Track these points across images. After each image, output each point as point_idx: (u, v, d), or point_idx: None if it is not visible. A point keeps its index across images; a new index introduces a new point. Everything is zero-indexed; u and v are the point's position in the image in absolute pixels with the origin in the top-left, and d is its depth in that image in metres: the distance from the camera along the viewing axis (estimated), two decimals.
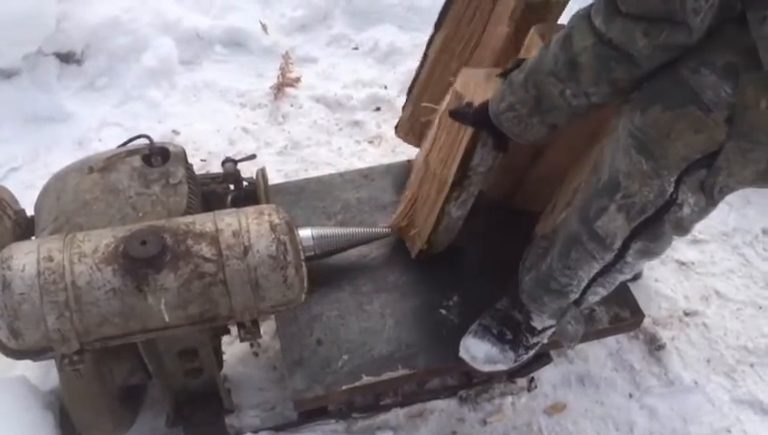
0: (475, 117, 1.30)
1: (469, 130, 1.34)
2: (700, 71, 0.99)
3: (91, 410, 1.26)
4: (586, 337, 1.56)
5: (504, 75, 1.23)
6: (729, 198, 1.98)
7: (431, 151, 1.48)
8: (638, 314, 1.56)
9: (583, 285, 1.29)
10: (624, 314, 1.54)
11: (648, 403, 1.61)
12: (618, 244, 1.18)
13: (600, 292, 1.32)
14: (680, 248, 1.90)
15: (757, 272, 1.87)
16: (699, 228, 1.93)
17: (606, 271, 1.25)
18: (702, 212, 1.13)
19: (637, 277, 1.78)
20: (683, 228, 1.15)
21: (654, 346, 1.69)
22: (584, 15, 1.06)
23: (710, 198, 1.10)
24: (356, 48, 2.45)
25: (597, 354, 1.67)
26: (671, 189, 1.08)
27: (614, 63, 1.03)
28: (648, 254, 1.20)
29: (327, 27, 2.51)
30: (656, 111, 1.04)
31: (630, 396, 1.62)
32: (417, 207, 1.56)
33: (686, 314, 1.77)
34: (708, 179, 1.07)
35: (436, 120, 1.47)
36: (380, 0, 2.51)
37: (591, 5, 1.05)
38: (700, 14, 0.94)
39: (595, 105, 1.12)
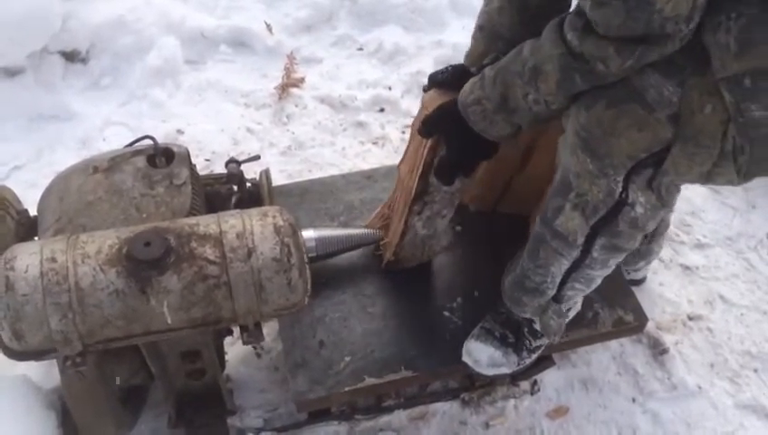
0: (435, 117, 1.26)
1: (430, 143, 1.30)
2: (643, 70, 1.00)
3: (92, 411, 1.26)
4: (589, 340, 1.57)
5: (479, 69, 1.22)
6: (733, 202, 2.01)
7: (403, 160, 1.46)
8: (641, 317, 1.55)
9: (558, 281, 1.30)
10: (628, 317, 1.54)
11: (652, 408, 1.60)
12: (580, 241, 1.19)
13: (579, 287, 1.32)
14: (685, 253, 1.90)
15: (761, 277, 1.87)
16: (704, 233, 1.94)
17: (576, 267, 1.26)
18: (654, 210, 1.13)
19: (641, 281, 1.78)
20: (639, 227, 1.15)
21: (657, 350, 1.69)
22: (557, 25, 1.05)
23: (659, 198, 1.11)
24: (360, 49, 2.45)
25: (600, 358, 1.67)
26: (619, 189, 1.09)
27: (578, 76, 1.03)
28: (616, 249, 1.21)
29: (332, 28, 2.51)
30: (599, 109, 1.05)
31: (634, 400, 1.62)
32: (392, 216, 1.53)
33: (690, 319, 1.76)
34: (656, 180, 1.08)
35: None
36: (385, 1, 2.50)
37: (565, 16, 1.04)
38: (679, 35, 0.94)
39: (556, 111, 1.12)
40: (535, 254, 1.28)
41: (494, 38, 1.28)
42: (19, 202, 1.30)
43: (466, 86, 1.21)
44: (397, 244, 1.47)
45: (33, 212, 1.31)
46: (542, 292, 1.33)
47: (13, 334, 1.00)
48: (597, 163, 1.07)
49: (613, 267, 1.29)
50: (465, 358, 1.42)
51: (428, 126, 1.28)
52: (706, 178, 1.07)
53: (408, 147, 1.44)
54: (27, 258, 1.01)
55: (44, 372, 1.42)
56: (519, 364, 1.44)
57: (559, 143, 1.18)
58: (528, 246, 1.31)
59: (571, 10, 1.05)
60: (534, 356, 1.45)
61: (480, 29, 1.31)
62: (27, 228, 1.26)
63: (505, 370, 1.43)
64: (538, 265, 1.29)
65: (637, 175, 1.07)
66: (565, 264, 1.26)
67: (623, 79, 1.02)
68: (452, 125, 1.24)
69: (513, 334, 1.42)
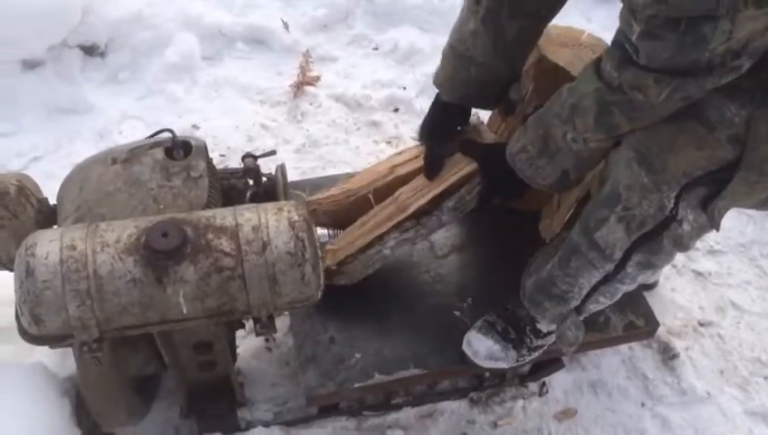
0: (486, 153, 1.32)
1: (464, 169, 1.34)
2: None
3: (106, 398, 1.27)
4: (599, 344, 1.57)
5: (525, 120, 1.26)
6: (748, 209, 1.99)
7: (407, 180, 1.44)
8: (652, 322, 1.55)
9: (584, 292, 1.30)
10: (639, 322, 1.54)
11: (661, 412, 1.60)
12: (618, 255, 1.19)
13: (602, 301, 1.32)
14: (697, 259, 1.89)
15: None
16: (717, 239, 1.93)
17: (607, 281, 1.26)
18: (701, 229, 1.13)
19: (652, 286, 1.78)
20: (683, 245, 1.15)
21: (668, 355, 1.68)
22: (593, 66, 1.07)
23: (711, 220, 1.11)
24: (376, 48, 2.46)
25: (610, 362, 1.67)
26: (671, 205, 1.09)
27: (616, 109, 1.04)
28: (650, 266, 1.21)
29: (348, 27, 2.52)
30: (658, 124, 1.05)
31: (642, 405, 1.61)
32: (351, 217, 1.48)
33: (701, 325, 1.76)
34: (712, 203, 1.08)
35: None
36: (402, 1, 2.52)
37: (601, 57, 1.06)
38: (721, 71, 0.92)
39: (595, 151, 1.13)
40: (567, 262, 1.28)
41: (465, 62, 1.28)
42: (39, 191, 1.31)
43: (514, 135, 1.25)
44: (350, 254, 1.42)
45: (52, 202, 1.33)
46: (566, 300, 1.33)
47: (32, 319, 1.01)
48: (652, 177, 1.08)
49: (637, 284, 1.30)
50: (464, 348, 1.43)
51: (474, 155, 1.34)
52: (763, 205, 1.08)
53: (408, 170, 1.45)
54: (47, 245, 1.03)
55: (60, 360, 1.44)
56: (518, 361, 1.44)
57: (611, 156, 1.18)
58: (560, 254, 1.30)
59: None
60: (535, 355, 1.45)
61: (451, 48, 1.30)
62: (47, 217, 1.27)
63: (503, 365, 1.43)
64: (567, 273, 1.28)
65: (688, 193, 1.07)
66: (596, 276, 1.26)
67: None
68: (495, 167, 1.28)
69: (514, 331, 1.42)
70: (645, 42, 0.93)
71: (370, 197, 1.47)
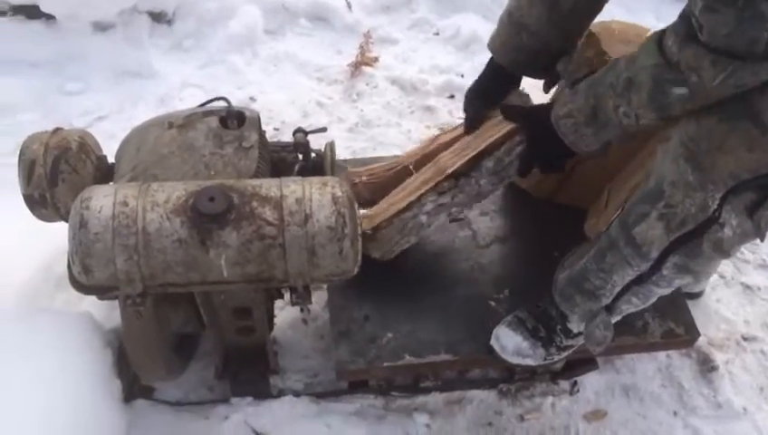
0: (529, 114, 1.31)
1: (505, 128, 1.32)
2: (763, 90, 0.97)
3: (146, 352, 1.33)
4: (635, 348, 1.54)
5: (574, 84, 1.24)
6: None
7: (448, 147, 1.44)
8: (693, 331, 1.52)
9: (616, 290, 1.28)
10: (678, 330, 1.51)
11: (693, 424, 1.56)
12: (654, 254, 1.17)
13: (635, 302, 1.30)
14: (748, 271, 1.83)
15: None
16: None
17: (641, 281, 1.23)
18: (744, 237, 1.10)
19: (698, 295, 1.74)
20: (723, 250, 1.12)
21: (706, 367, 1.64)
22: (656, 38, 1.05)
23: (757, 228, 1.07)
24: (437, 34, 2.46)
25: (645, 367, 1.64)
26: (714, 206, 1.06)
27: (670, 87, 1.02)
28: (687, 271, 1.18)
29: (410, 11, 2.52)
30: (711, 122, 1.03)
31: (675, 414, 1.58)
32: (392, 190, 1.47)
33: (745, 339, 1.71)
34: (759, 211, 1.04)
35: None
36: None
37: (664, 29, 1.04)
38: None
39: (644, 127, 1.11)
40: (602, 257, 1.26)
41: (519, 28, 1.30)
42: (99, 148, 1.37)
43: (561, 98, 1.23)
44: (386, 218, 1.41)
45: (110, 160, 1.38)
46: (597, 297, 1.31)
47: (82, 269, 1.06)
48: (698, 175, 1.05)
49: (674, 289, 1.27)
50: (492, 342, 1.43)
51: (515, 116, 1.32)
52: None
53: (451, 136, 1.45)
54: (102, 199, 1.08)
55: (106, 313, 1.51)
56: (546, 359, 1.43)
57: (659, 150, 1.16)
58: (596, 248, 1.29)
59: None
60: (564, 355, 1.44)
61: (509, 15, 1.32)
62: (104, 174, 1.32)
63: (530, 362, 1.43)
64: (601, 268, 1.27)
65: (735, 196, 1.04)
66: (630, 274, 1.23)
67: (743, 96, 0.99)
68: (537, 128, 1.27)
69: (545, 329, 1.41)
70: (706, 16, 0.92)
71: (411, 168, 1.48)
